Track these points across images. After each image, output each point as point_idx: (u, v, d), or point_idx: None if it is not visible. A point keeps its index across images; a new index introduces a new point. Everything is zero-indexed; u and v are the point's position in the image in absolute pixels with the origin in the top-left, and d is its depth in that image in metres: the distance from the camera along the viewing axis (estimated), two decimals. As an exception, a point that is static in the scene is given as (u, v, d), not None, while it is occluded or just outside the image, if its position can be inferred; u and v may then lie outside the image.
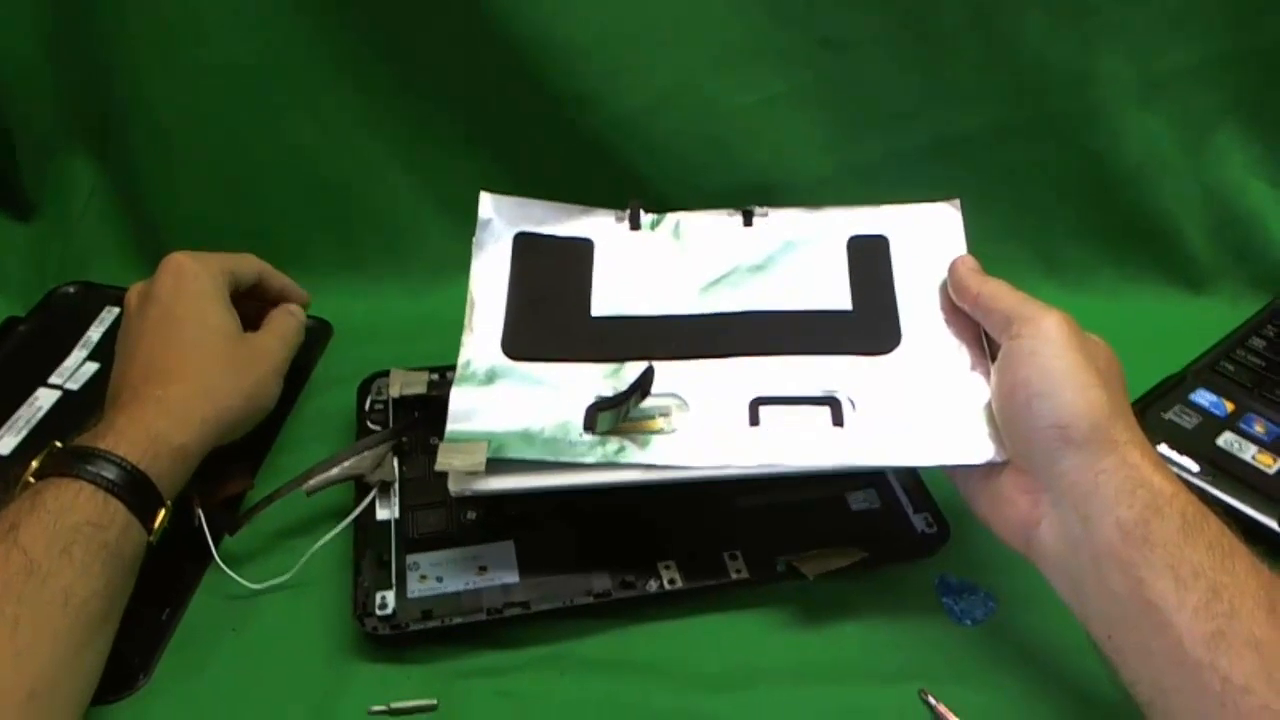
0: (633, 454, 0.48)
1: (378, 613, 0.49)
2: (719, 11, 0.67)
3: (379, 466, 0.56)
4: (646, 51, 0.67)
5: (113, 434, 0.47)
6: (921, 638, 0.51)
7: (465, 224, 0.67)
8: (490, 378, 0.52)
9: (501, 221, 0.57)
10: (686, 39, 0.67)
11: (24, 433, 0.59)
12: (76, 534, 0.43)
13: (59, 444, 0.47)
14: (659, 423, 0.50)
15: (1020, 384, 0.46)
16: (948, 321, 0.53)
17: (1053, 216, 0.75)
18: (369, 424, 0.61)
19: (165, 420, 0.49)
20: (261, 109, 0.70)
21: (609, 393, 0.50)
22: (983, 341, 0.52)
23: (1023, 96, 0.70)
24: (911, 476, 0.58)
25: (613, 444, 0.49)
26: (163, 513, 0.47)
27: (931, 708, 0.48)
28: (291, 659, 0.49)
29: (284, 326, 0.60)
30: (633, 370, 0.51)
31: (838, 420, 0.50)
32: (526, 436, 0.49)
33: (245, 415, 0.54)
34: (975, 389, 0.50)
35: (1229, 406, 0.64)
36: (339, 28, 0.68)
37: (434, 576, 0.52)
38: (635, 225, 0.58)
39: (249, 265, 0.59)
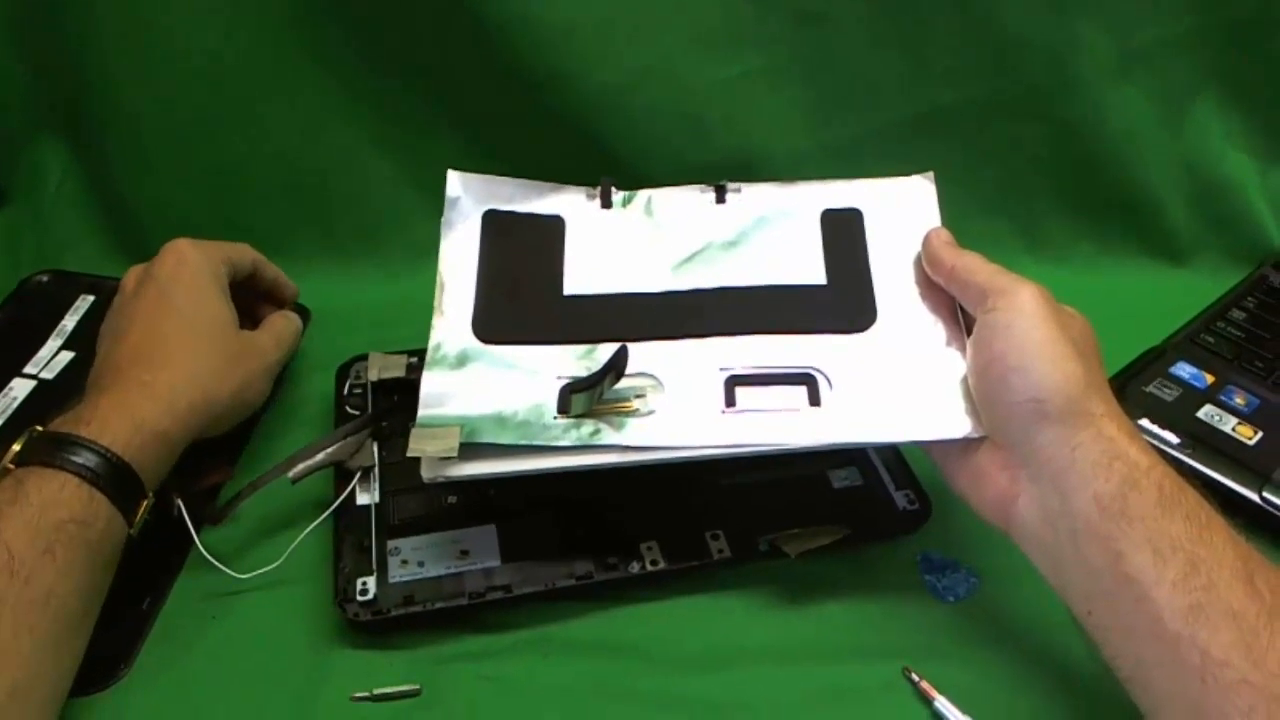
0: (608, 436, 0.48)
1: (359, 599, 0.49)
2: (694, -11, 0.66)
3: (358, 452, 0.56)
4: (622, 29, 0.66)
5: (97, 420, 0.46)
6: (904, 615, 0.52)
7: (441, 207, 0.67)
8: (461, 361, 0.51)
9: (470, 200, 0.56)
10: (662, 16, 0.66)
11: (0, 422, 0.58)
12: (60, 532, 0.42)
13: (39, 428, 0.46)
14: (634, 404, 0.50)
15: (996, 358, 0.45)
16: (923, 296, 0.53)
17: (1032, 190, 0.75)
18: (348, 409, 0.61)
19: (151, 406, 0.48)
20: (234, 94, 0.69)
21: (583, 374, 0.50)
22: (958, 315, 0.51)
23: (1001, 71, 0.70)
24: (893, 454, 0.58)
25: (587, 426, 0.49)
26: (145, 504, 0.47)
27: (915, 685, 0.48)
28: (273, 646, 0.49)
29: (282, 330, 0.59)
30: (606, 351, 0.51)
31: (814, 399, 0.50)
32: (499, 420, 0.49)
33: (232, 409, 0.53)
34: (951, 364, 0.50)
35: (1209, 379, 0.64)
36: (311, 12, 0.67)
37: (415, 561, 0.51)
38: (607, 203, 0.57)
39: (245, 255, 0.59)
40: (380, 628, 0.49)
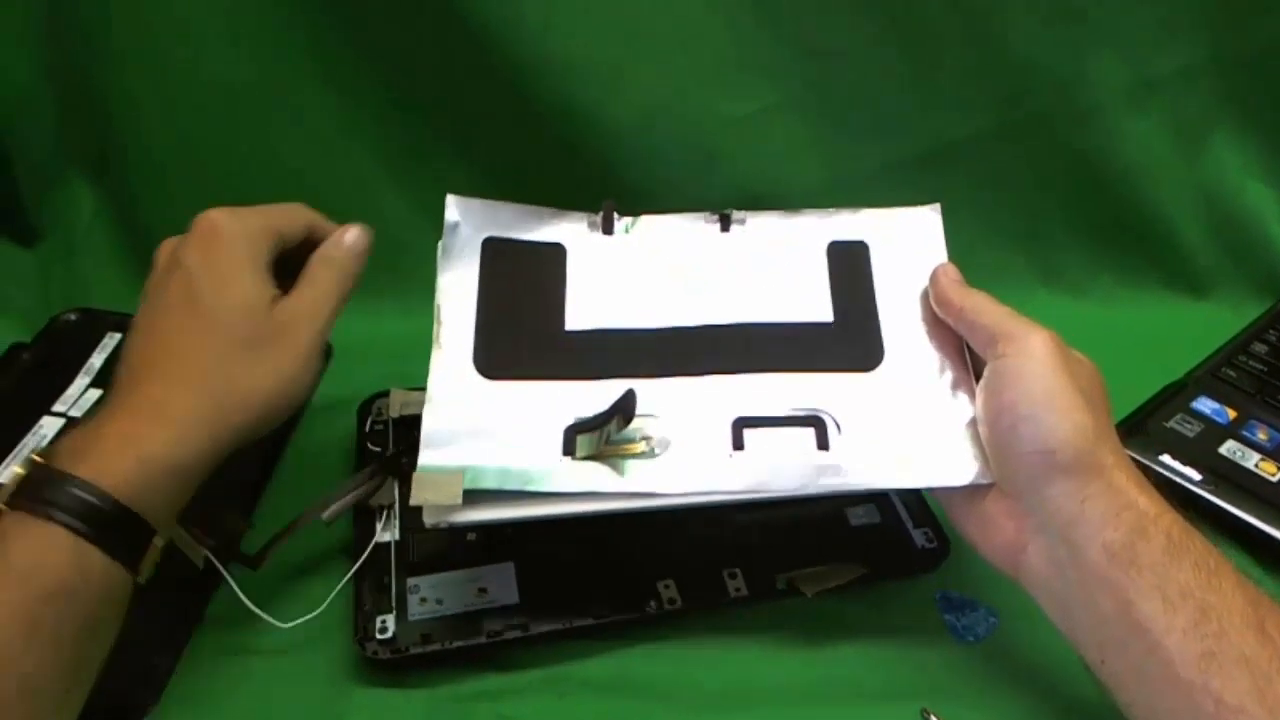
0: (612, 482, 0.47)
1: (378, 637, 0.49)
2: (708, 24, 0.67)
3: (379, 490, 0.56)
4: (636, 65, 0.67)
5: (96, 452, 0.41)
6: (923, 655, 0.51)
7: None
8: (463, 400, 0.50)
9: (469, 226, 0.54)
10: (676, 52, 0.67)
11: (29, 461, 0.59)
12: (46, 606, 0.38)
13: (38, 458, 0.41)
14: (639, 446, 0.49)
15: (1006, 408, 0.45)
16: (929, 334, 0.52)
17: (1048, 223, 0.75)
18: (369, 445, 0.61)
19: (162, 435, 0.43)
20: (256, 130, 0.71)
21: (588, 414, 0.49)
22: (965, 355, 0.51)
23: (1014, 102, 0.70)
24: (911, 492, 0.58)
25: (592, 470, 0.48)
26: (154, 545, 0.42)
27: (933, 725, 0.48)
28: (294, 686, 0.49)
29: (320, 282, 0.49)
30: (611, 388, 0.50)
31: (823, 443, 0.49)
32: (503, 467, 0.48)
33: (262, 419, 0.46)
34: (959, 408, 0.49)
35: (1231, 414, 0.64)
36: (330, 48, 0.68)
37: (434, 599, 0.52)
38: (609, 229, 0.56)
39: (295, 220, 0.50)
40: (399, 666, 0.49)
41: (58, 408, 0.63)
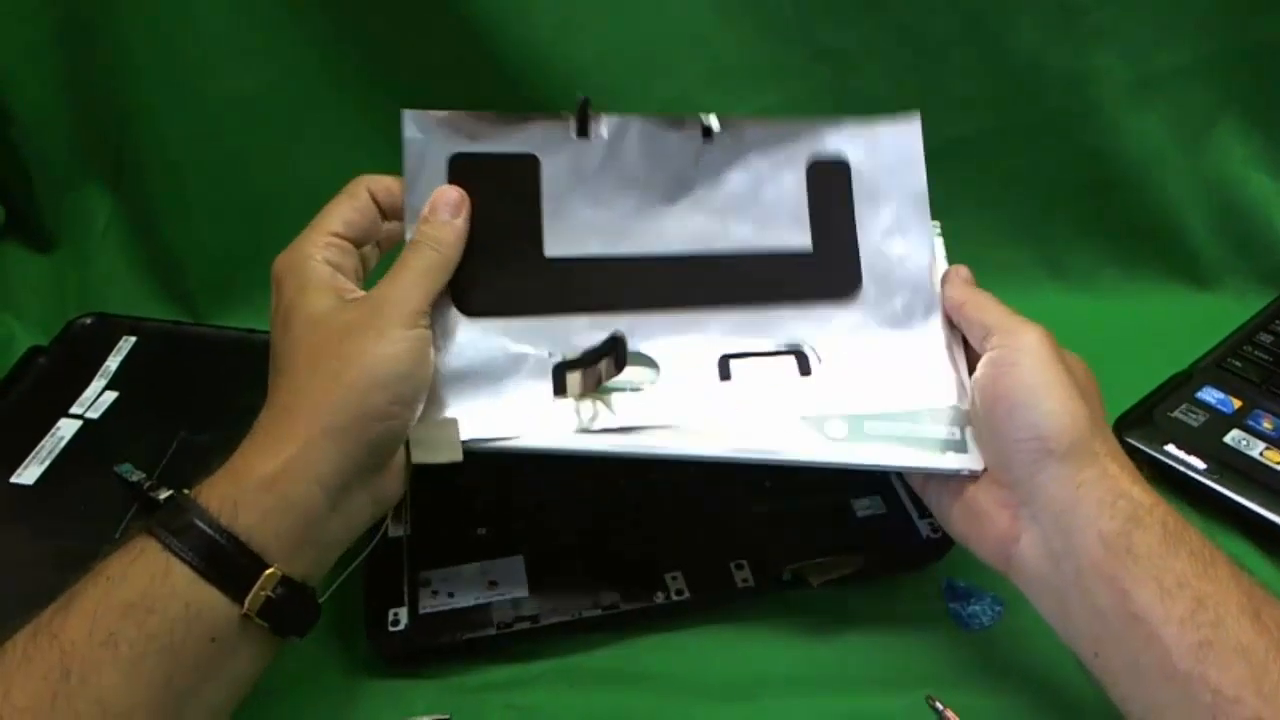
0: (604, 417, 0.47)
1: (390, 629, 0.50)
2: (712, 28, 0.67)
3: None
4: (641, 70, 0.68)
5: (212, 477, 0.40)
6: (928, 644, 0.52)
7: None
8: (446, 341, 0.47)
9: (432, 143, 0.49)
10: (681, 56, 0.68)
11: (47, 462, 0.60)
12: (124, 620, 0.35)
13: (186, 492, 0.39)
14: (631, 378, 0.48)
15: (1001, 395, 0.45)
16: (902, 262, 0.52)
17: (1054, 218, 0.75)
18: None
19: (253, 452, 0.40)
20: (267, 134, 0.72)
21: (575, 350, 0.48)
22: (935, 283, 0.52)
23: (1018, 100, 0.70)
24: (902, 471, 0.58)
25: (586, 409, 0.47)
26: (265, 577, 0.38)
27: (939, 714, 0.48)
28: (307, 678, 0.50)
29: (408, 259, 0.46)
30: (598, 325, 0.49)
31: (804, 370, 0.50)
32: (493, 412, 0.46)
33: (362, 407, 0.42)
34: (933, 335, 0.51)
35: (1236, 403, 0.64)
36: (342, 56, 0.69)
37: (445, 592, 0.52)
38: (583, 131, 0.50)
39: (351, 204, 0.48)
40: (411, 658, 0.50)
41: (75, 410, 0.64)
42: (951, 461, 0.48)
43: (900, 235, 0.53)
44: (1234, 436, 0.61)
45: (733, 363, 0.50)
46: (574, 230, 0.50)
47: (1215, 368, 0.67)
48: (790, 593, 0.53)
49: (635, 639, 0.52)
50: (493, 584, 0.53)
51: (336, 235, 0.47)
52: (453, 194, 0.48)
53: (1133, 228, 0.75)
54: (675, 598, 0.52)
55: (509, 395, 0.47)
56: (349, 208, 0.48)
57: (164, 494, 0.39)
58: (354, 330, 0.43)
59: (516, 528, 0.56)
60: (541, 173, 0.50)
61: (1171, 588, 0.39)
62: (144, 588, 0.36)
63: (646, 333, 0.50)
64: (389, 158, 0.72)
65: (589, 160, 0.50)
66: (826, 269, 0.52)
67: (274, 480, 0.39)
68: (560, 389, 0.48)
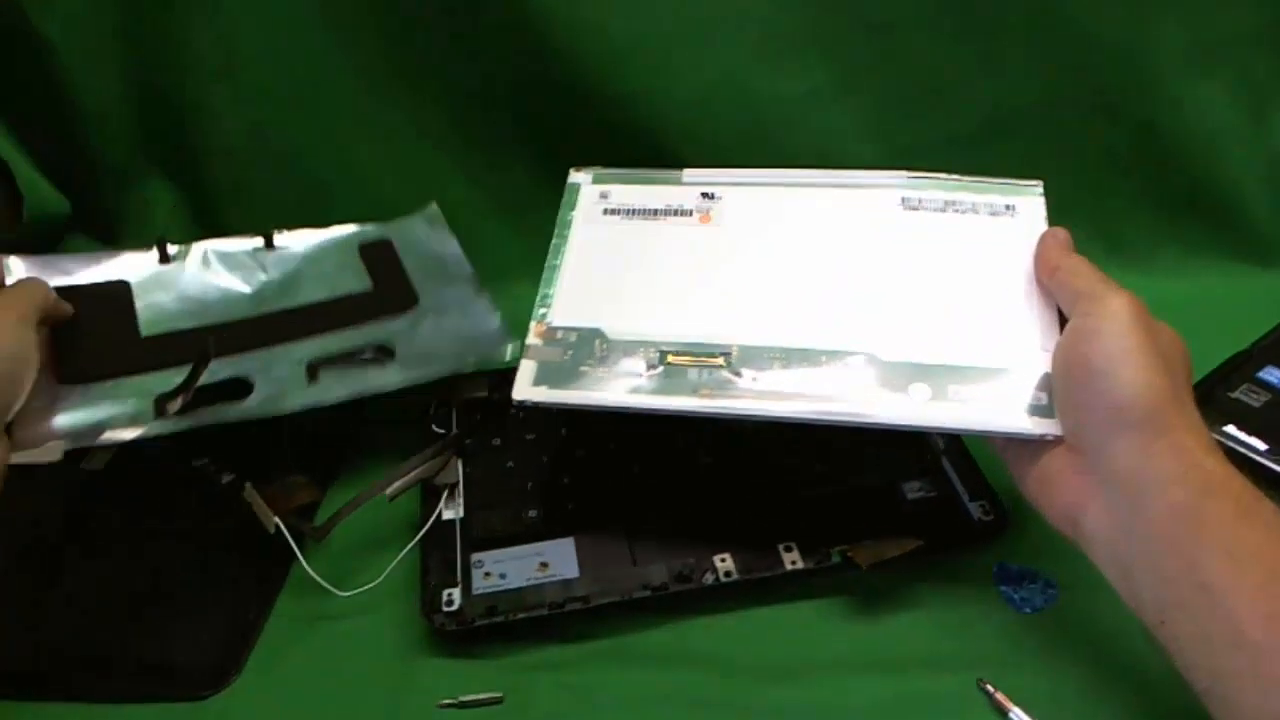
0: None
1: (445, 609, 0.51)
2: (760, 3, 0.67)
3: (444, 469, 0.59)
4: (689, 47, 0.68)
5: None
6: (979, 626, 0.51)
7: (524, 225, 0.70)
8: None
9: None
10: (728, 32, 0.68)
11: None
12: None
13: None
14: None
15: (1079, 361, 0.45)
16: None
17: (1112, 193, 0.73)
18: (434, 427, 0.63)
19: None
20: (324, 127, 0.74)
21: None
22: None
23: (1074, 71, 0.69)
24: (967, 464, 0.58)
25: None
26: None
27: (990, 696, 0.48)
28: (365, 656, 0.52)
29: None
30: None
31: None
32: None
33: None
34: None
35: (1299, 383, 0.62)
36: (389, 44, 0.71)
37: (498, 574, 0.53)
38: (165, 258, 0.63)
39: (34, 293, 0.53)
40: (465, 637, 0.51)
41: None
42: (1036, 426, 0.47)
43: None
44: (1297, 416, 0.60)
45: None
46: (169, 318, 0.60)
47: (1276, 346, 0.65)
48: (840, 575, 0.53)
49: (684, 620, 0.53)
50: (544, 565, 0.54)
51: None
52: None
53: (1192, 203, 0.73)
54: (724, 579, 0.52)
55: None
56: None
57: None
58: None
59: (567, 510, 0.57)
60: (133, 291, 0.61)
61: (1243, 558, 0.38)
62: None
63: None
64: (440, 144, 0.74)
65: (172, 276, 0.62)
66: (383, 298, 0.64)
67: None
68: (161, 412, 0.55)
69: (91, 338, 0.57)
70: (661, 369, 0.51)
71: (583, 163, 0.62)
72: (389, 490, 0.56)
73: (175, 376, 0.56)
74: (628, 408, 0.50)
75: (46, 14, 0.69)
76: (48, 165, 0.75)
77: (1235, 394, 0.62)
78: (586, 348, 0.52)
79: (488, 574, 0.53)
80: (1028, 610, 0.52)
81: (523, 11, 0.67)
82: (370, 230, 0.68)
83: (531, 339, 0.53)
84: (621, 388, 0.51)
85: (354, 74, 0.72)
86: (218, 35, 0.70)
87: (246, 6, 0.69)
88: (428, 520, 0.56)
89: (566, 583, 0.53)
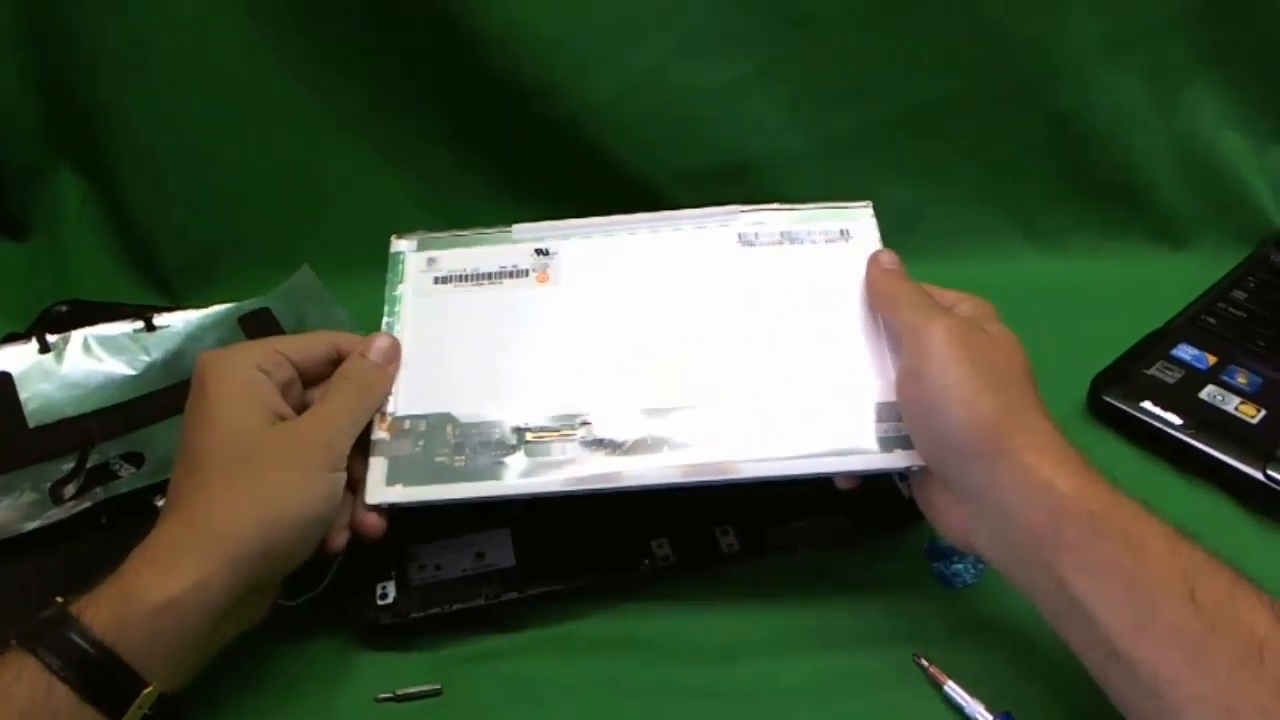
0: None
1: (379, 603, 0.50)
2: (684, -2, 0.67)
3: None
4: (614, 39, 0.68)
5: (101, 587, 0.40)
6: (913, 603, 0.52)
7: (449, 218, 0.69)
8: None
9: None
10: (653, 24, 0.68)
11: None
12: None
13: (60, 599, 0.40)
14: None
15: (913, 399, 0.47)
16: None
17: (1027, 180, 0.75)
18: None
19: (149, 569, 0.40)
20: (241, 118, 0.72)
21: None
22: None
23: (990, 62, 0.70)
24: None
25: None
26: (143, 696, 0.39)
27: (925, 670, 0.49)
28: (299, 651, 0.51)
29: (333, 397, 0.47)
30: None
31: None
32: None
33: (270, 541, 0.42)
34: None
35: (1211, 359, 0.65)
36: (311, 34, 0.69)
37: (433, 565, 0.53)
38: (44, 348, 0.63)
39: (312, 342, 0.50)
40: (401, 631, 0.50)
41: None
42: (897, 460, 0.48)
43: None
44: (1209, 392, 0.62)
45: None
46: (55, 407, 0.60)
47: (1190, 325, 0.68)
48: (775, 557, 0.53)
49: (623, 606, 0.52)
50: (480, 556, 0.53)
51: (279, 351, 0.48)
52: (388, 341, 0.51)
53: (1106, 188, 0.75)
54: (661, 564, 0.52)
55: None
56: (299, 346, 0.49)
57: (47, 612, 0.39)
58: (279, 462, 0.43)
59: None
60: (15, 383, 0.61)
61: (1101, 575, 0.39)
62: (24, 708, 0.37)
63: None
64: (362, 138, 0.73)
65: (51, 366, 0.62)
66: None
67: (168, 606, 0.40)
68: (58, 499, 0.53)
69: None
70: (521, 449, 0.49)
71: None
72: None
73: (66, 464, 0.56)
74: (493, 498, 0.49)
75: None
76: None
77: (1151, 371, 0.64)
78: (438, 435, 0.50)
79: (423, 566, 0.53)
80: (959, 585, 0.53)
81: (445, 8, 0.66)
82: (248, 303, 0.68)
83: (377, 433, 0.49)
84: (482, 476, 0.49)
85: (272, 66, 0.70)
86: (128, 29, 0.68)
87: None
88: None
89: (504, 573, 0.52)
